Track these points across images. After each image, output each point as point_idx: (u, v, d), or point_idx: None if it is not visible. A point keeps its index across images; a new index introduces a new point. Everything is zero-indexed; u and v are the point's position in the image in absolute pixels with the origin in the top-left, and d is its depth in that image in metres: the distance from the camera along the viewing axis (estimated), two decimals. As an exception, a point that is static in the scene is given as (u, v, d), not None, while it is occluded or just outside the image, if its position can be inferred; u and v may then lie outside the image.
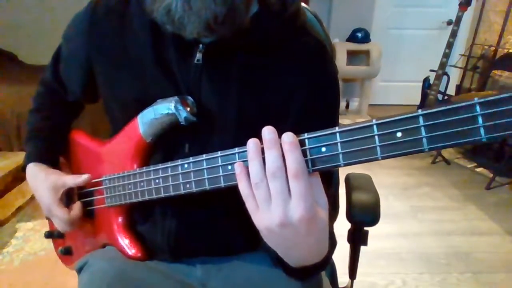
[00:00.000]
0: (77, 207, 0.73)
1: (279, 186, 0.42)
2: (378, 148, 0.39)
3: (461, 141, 0.34)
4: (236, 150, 0.48)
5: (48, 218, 0.81)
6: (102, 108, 0.74)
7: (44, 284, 1.57)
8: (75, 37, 0.70)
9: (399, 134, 0.37)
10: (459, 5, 2.64)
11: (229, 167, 0.49)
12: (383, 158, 0.39)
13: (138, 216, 0.71)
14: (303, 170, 0.42)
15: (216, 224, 0.68)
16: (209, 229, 0.68)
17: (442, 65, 2.75)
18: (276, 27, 0.62)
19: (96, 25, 0.66)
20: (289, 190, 0.42)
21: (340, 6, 3.47)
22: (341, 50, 3.30)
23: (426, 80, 2.93)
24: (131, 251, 0.69)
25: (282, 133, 0.44)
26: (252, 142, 0.45)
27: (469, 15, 3.23)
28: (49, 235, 0.86)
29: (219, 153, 0.50)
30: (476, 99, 0.33)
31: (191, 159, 0.54)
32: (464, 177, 2.62)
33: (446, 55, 2.73)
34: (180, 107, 0.59)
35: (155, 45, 0.62)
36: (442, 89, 2.87)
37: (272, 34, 0.62)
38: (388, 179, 2.55)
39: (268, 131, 0.43)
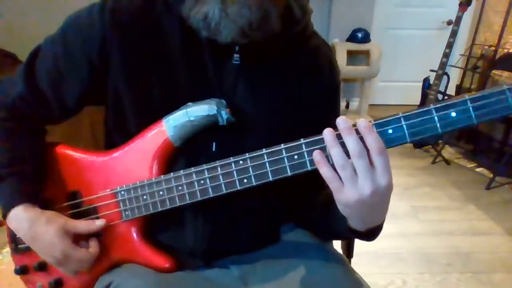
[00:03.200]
0: (95, 244, 0.66)
1: (365, 163, 0.48)
2: (438, 125, 0.48)
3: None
4: (280, 145, 0.55)
5: (19, 252, 0.73)
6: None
7: (44, 284, 1.57)
8: (85, 35, 0.63)
9: (453, 114, 0.48)
10: (459, 5, 2.64)
11: (295, 156, 0.54)
12: (444, 132, 0.49)
13: (158, 225, 0.68)
14: (384, 146, 0.48)
15: (243, 222, 0.70)
16: (237, 228, 0.69)
17: (442, 65, 2.75)
18: (298, 31, 0.67)
19: (120, 23, 0.62)
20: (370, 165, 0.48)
21: (340, 6, 3.46)
22: (341, 50, 3.30)
23: (426, 80, 2.93)
24: (160, 263, 0.65)
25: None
26: (328, 131, 0.50)
27: (469, 15, 3.23)
28: (23, 270, 0.73)
29: (282, 146, 0.55)
30: None
31: (247, 155, 0.56)
32: (464, 177, 2.62)
33: (446, 55, 2.73)
34: (222, 108, 0.60)
35: (187, 46, 0.63)
36: (442, 89, 2.87)
37: (295, 38, 0.67)
38: (388, 179, 2.55)
39: (342, 121, 0.49)
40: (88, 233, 0.65)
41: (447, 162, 2.79)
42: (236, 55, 0.62)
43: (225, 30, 0.55)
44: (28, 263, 0.73)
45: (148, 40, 0.63)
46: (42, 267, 0.71)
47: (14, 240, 0.73)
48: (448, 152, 2.96)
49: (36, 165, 0.68)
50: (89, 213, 0.68)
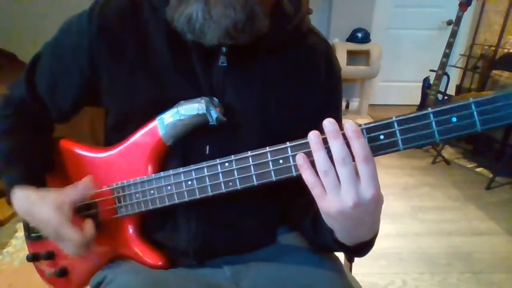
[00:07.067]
0: (89, 225, 0.64)
1: (349, 171, 0.45)
2: (435, 131, 0.44)
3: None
4: (266, 148, 0.52)
5: (31, 240, 0.75)
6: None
7: (44, 284, 1.57)
8: (75, 43, 0.65)
9: (454, 119, 0.43)
10: (459, 5, 2.64)
11: (281, 161, 0.52)
12: (441, 140, 0.44)
13: (153, 223, 0.69)
14: (370, 154, 0.45)
15: (237, 223, 0.69)
16: (231, 229, 0.69)
17: (442, 65, 2.75)
18: (290, 29, 0.65)
19: (108, 29, 0.63)
20: (356, 174, 0.45)
21: (340, 6, 3.47)
22: (341, 50, 3.30)
23: (426, 80, 2.93)
24: (153, 260, 0.66)
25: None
26: (313, 134, 0.47)
27: (469, 15, 3.23)
28: (34, 257, 0.75)
29: (267, 148, 0.52)
30: None
31: (232, 157, 0.55)
32: (464, 177, 2.62)
33: (446, 55, 2.73)
34: (211, 108, 0.59)
35: (174, 49, 0.62)
36: (442, 89, 2.87)
37: (288, 36, 0.65)
38: (388, 179, 2.55)
39: (329, 123, 0.46)
40: (83, 197, 0.63)
41: (447, 162, 2.79)
42: (222, 57, 0.61)
43: (209, 32, 0.54)
44: (39, 251, 0.76)
45: (136, 45, 0.63)
46: (50, 256, 0.75)
47: (28, 229, 0.77)
48: (448, 152, 2.96)
49: (37, 155, 0.70)
50: (90, 207, 0.69)
